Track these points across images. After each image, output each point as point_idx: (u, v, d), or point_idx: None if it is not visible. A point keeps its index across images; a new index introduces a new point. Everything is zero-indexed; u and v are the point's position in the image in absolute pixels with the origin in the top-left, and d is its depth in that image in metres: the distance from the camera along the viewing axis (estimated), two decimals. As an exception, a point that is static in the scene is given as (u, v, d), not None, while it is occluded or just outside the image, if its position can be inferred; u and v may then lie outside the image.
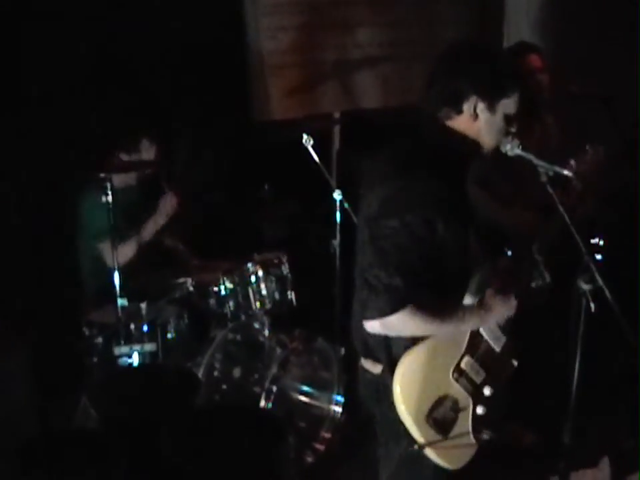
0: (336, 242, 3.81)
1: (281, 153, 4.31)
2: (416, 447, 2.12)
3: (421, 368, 2.14)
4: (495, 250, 2.31)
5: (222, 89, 4.52)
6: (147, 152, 3.76)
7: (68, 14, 3.87)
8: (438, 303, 2.11)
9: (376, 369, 2.23)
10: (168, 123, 4.21)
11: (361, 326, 2.16)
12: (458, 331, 2.18)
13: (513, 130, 2.13)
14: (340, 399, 3.59)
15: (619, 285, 2.20)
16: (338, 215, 3.76)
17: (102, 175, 3.26)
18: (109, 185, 3.24)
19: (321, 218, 4.04)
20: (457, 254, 2.11)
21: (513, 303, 2.23)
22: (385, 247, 2.04)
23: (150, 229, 3.74)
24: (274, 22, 4.76)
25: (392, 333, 2.13)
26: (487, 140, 2.14)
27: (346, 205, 3.74)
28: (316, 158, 3.75)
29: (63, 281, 3.88)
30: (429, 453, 2.15)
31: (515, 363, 2.31)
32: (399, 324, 2.06)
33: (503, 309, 2.22)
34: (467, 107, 2.09)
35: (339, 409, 3.59)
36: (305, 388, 3.65)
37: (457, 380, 2.18)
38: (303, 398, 3.65)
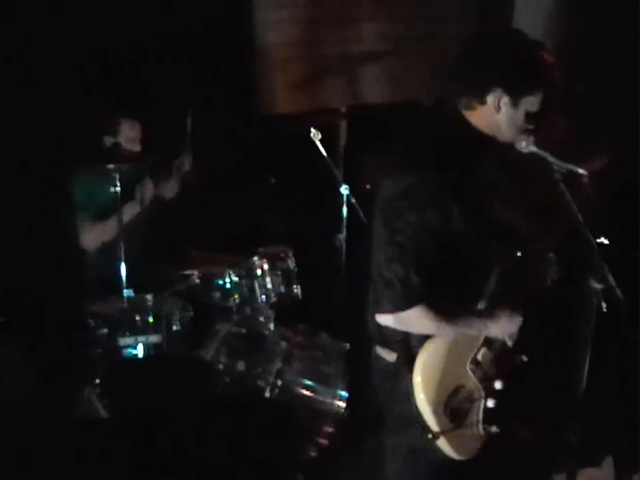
0: (342, 236, 3.81)
1: (288, 146, 4.30)
2: (430, 435, 2.12)
3: (441, 358, 2.15)
4: (506, 250, 2.30)
5: (227, 81, 4.51)
6: (131, 137, 3.72)
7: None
8: (449, 303, 2.10)
9: (390, 357, 2.22)
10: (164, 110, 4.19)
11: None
12: (462, 335, 2.17)
13: (532, 127, 2.10)
14: (343, 394, 3.58)
15: (623, 283, 2.19)
16: (345, 209, 3.76)
17: (110, 166, 3.26)
18: (117, 176, 3.24)
19: (326, 212, 4.04)
20: (471, 249, 2.09)
21: (519, 320, 2.22)
22: (402, 242, 2.02)
23: (126, 214, 3.63)
24: (281, 14, 4.75)
25: (403, 327, 2.13)
26: (505, 134, 2.12)
27: (352, 200, 3.74)
28: (323, 152, 3.75)
29: (68, 271, 3.87)
30: (440, 442, 2.16)
31: (525, 358, 2.30)
32: (412, 320, 2.07)
33: (508, 325, 2.21)
34: (490, 98, 2.05)
35: (342, 404, 3.59)
36: (308, 382, 3.64)
37: (473, 371, 2.19)
38: (306, 392, 3.64)
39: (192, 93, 4.35)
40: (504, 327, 2.21)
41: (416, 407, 2.13)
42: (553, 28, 4.94)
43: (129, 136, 3.69)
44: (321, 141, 3.75)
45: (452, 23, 5.21)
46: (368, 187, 4.17)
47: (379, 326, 2.22)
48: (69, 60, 3.86)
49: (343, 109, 5.01)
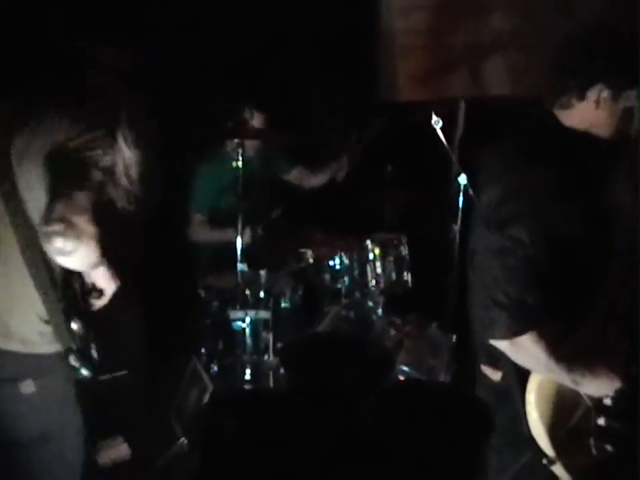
0: (457, 227, 3.72)
1: (406, 134, 4.26)
2: (545, 461, 2.00)
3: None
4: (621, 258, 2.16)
5: (351, 67, 4.50)
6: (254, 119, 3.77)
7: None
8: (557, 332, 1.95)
9: (495, 375, 2.14)
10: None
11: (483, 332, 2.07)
12: (554, 376, 2.00)
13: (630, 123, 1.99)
14: (447, 388, 3.51)
15: None
16: (461, 199, 3.67)
17: (236, 140, 3.30)
18: (240, 151, 3.27)
19: (442, 201, 3.97)
20: (584, 258, 1.94)
21: (616, 385, 2.03)
22: (511, 264, 1.89)
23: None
24: (408, 1, 4.69)
25: (515, 355, 1.98)
26: (603, 131, 2.02)
27: (470, 191, 3.65)
28: (444, 140, 3.67)
29: (182, 243, 3.95)
30: (556, 467, 2.03)
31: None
32: (527, 346, 1.93)
33: (604, 387, 2.03)
34: (590, 93, 1.97)
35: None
36: (413, 373, 3.58)
37: None
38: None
39: (315, 79, 4.38)
40: (599, 388, 2.02)
41: (529, 429, 2.01)
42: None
43: (253, 118, 3.74)
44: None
45: (587, 17, 5.01)
46: (481, 184, 4.08)
47: (485, 343, 2.11)
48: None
49: (462, 100, 4.92)
